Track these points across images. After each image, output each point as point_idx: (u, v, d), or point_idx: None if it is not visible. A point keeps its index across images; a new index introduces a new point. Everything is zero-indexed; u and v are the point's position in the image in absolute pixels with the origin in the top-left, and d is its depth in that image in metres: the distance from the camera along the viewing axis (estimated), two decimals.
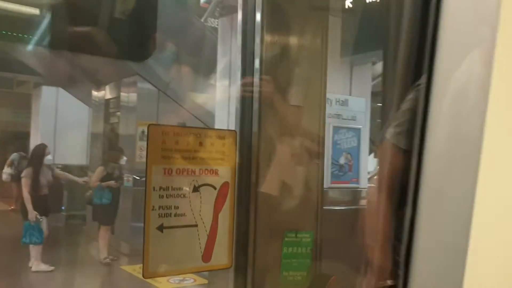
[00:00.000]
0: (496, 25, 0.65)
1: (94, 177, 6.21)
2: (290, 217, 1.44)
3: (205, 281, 5.09)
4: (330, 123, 4.39)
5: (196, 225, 1.15)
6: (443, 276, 0.73)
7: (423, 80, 1.34)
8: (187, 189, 1.13)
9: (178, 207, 1.12)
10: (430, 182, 0.78)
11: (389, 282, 1.35)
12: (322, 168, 1.72)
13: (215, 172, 1.17)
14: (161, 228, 1.10)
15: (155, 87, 6.45)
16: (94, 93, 7.59)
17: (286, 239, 1.42)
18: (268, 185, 1.50)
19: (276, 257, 1.38)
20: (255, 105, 1.34)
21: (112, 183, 6.01)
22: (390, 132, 1.38)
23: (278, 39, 1.67)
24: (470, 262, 0.67)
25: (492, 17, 0.65)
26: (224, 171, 1.19)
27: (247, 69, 1.36)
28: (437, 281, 0.74)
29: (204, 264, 1.14)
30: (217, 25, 5.90)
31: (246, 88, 1.58)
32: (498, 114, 0.68)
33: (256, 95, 1.38)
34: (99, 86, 7.35)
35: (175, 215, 1.12)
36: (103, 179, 6.01)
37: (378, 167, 1.44)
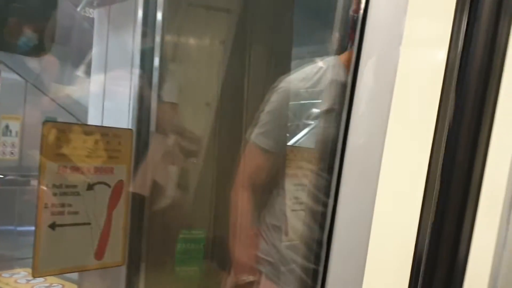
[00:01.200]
0: (402, 33, 0.75)
1: None
2: (184, 214, 1.46)
3: (75, 286, 4.82)
4: None
5: (89, 223, 1.13)
6: (351, 269, 0.79)
7: (282, 84, 1.44)
8: (82, 187, 1.11)
9: (71, 205, 1.10)
10: (347, 189, 0.82)
11: (251, 278, 1.43)
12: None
13: (110, 170, 1.17)
14: (53, 226, 1.08)
15: (23, 78, 5.96)
16: None
17: (180, 236, 1.45)
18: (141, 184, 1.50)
19: (169, 254, 1.41)
20: (153, 104, 1.35)
21: None
22: (253, 133, 1.44)
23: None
24: (370, 258, 0.76)
25: (400, 25, 0.75)
26: (119, 169, 1.18)
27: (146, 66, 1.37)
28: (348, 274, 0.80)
29: (97, 262, 1.13)
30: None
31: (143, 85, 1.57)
32: (399, 120, 0.76)
33: (154, 93, 1.39)
34: None
35: (68, 213, 1.10)
36: None
37: (241, 166, 1.49)
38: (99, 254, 1.15)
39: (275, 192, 1.54)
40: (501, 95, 0.84)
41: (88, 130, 1.14)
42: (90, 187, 1.13)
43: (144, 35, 1.65)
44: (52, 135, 1.07)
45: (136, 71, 1.74)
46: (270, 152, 1.45)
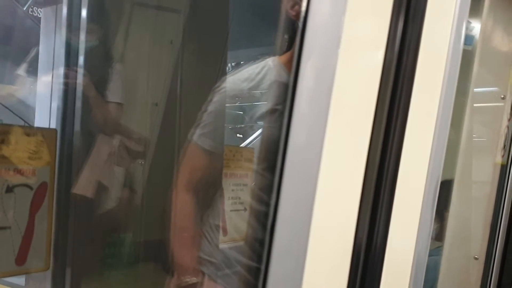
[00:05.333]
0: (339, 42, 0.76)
1: None
2: (112, 217, 1.43)
3: None
4: None
5: (9, 227, 1.09)
6: (291, 265, 0.79)
7: (224, 84, 1.44)
8: (0, 189, 1.07)
9: None
10: (288, 187, 0.82)
11: (194, 280, 1.41)
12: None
13: (32, 172, 1.12)
14: None
15: None
16: None
17: (109, 239, 1.42)
18: (83, 186, 1.45)
19: (97, 258, 1.37)
20: (78, 103, 1.31)
21: None
22: (195, 134, 1.42)
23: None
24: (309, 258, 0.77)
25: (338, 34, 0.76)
26: (42, 171, 1.14)
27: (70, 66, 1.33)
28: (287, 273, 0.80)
29: (18, 267, 1.08)
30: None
31: (67, 83, 1.53)
32: (338, 120, 0.77)
33: (79, 93, 1.35)
34: None
35: None
36: None
37: (183, 166, 1.47)
38: (20, 260, 1.10)
39: (218, 192, 1.54)
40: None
41: (6, 129, 1.09)
42: (9, 189, 1.08)
43: (78, 34, 1.61)
44: None
45: (60, 71, 1.69)
46: (213, 152, 1.42)
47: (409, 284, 0.87)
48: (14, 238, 1.10)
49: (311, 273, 0.78)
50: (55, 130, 1.21)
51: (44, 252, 1.14)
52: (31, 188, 1.13)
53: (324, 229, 0.79)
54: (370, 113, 0.80)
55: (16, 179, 1.09)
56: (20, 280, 1.45)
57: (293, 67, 0.81)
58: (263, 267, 0.85)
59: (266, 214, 1.21)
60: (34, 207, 1.13)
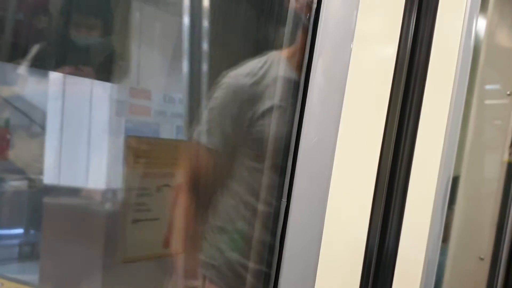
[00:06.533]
0: (352, 39, 0.78)
1: None
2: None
3: (14, 285, 4.63)
4: None
5: (158, 219, 1.37)
6: (304, 266, 0.80)
7: (225, 79, 1.33)
8: (153, 189, 1.35)
9: (146, 204, 1.33)
10: (299, 187, 0.80)
11: (194, 283, 1.41)
12: None
13: (172, 175, 1.40)
14: (135, 221, 1.31)
15: None
16: None
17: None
18: None
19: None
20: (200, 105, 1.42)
21: None
22: (196, 131, 1.38)
23: None
24: (322, 257, 0.78)
25: (350, 35, 0.79)
26: (178, 173, 1.41)
27: None
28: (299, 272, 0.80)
29: (165, 250, 1.37)
30: None
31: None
32: (351, 118, 0.78)
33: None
34: None
35: (144, 210, 1.33)
36: None
37: (183, 165, 1.42)
38: (166, 244, 1.39)
39: (220, 192, 1.44)
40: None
41: (156, 141, 1.38)
42: (158, 189, 1.35)
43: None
44: (134, 146, 1.30)
45: None
46: (215, 150, 1.36)
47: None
48: (162, 227, 1.39)
49: (323, 276, 0.77)
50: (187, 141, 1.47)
51: (181, 240, 1.40)
52: (172, 187, 1.40)
53: (336, 232, 0.76)
54: (383, 109, 0.79)
55: (162, 180, 1.35)
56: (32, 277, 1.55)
57: (304, 62, 0.78)
58: (273, 272, 0.81)
59: (268, 214, 1.17)
60: (174, 202, 1.40)
